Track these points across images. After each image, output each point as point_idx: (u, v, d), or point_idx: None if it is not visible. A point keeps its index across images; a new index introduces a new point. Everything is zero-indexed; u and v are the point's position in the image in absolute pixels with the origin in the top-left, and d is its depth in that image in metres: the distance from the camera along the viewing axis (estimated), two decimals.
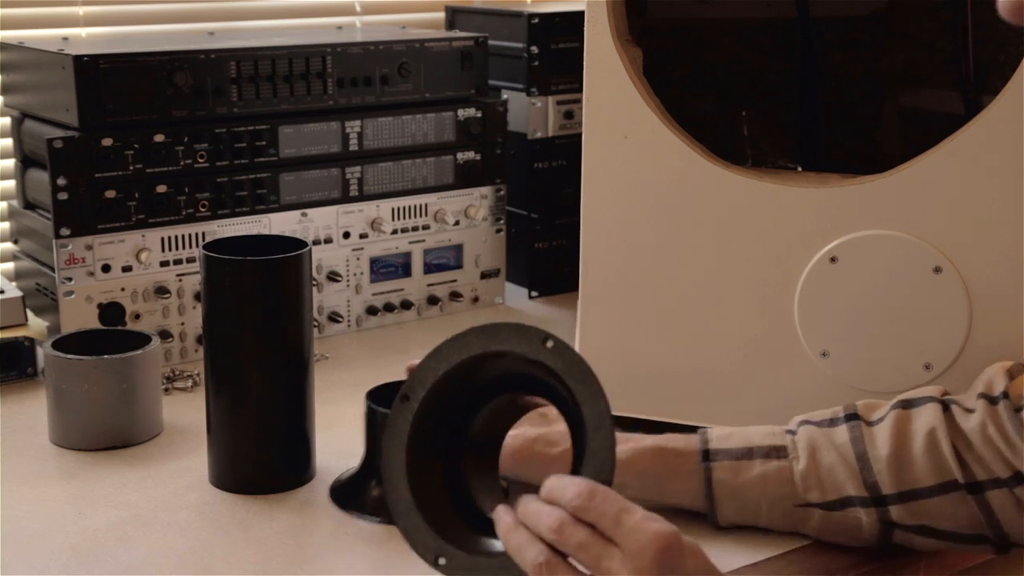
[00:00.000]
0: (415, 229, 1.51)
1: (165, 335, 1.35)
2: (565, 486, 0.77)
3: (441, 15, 1.78)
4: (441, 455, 0.88)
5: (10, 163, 1.49)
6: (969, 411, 0.92)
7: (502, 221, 1.57)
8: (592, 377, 0.81)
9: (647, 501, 0.92)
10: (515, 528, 0.78)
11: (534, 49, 1.56)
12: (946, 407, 0.93)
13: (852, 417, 0.95)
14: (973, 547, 0.93)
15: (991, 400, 0.92)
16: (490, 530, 0.82)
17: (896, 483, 0.91)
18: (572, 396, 0.82)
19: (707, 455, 0.96)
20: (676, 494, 0.97)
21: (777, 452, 0.94)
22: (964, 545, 0.92)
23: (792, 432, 0.96)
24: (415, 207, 1.51)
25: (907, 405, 0.94)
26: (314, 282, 1.44)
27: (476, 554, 0.82)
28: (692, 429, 1.04)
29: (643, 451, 0.97)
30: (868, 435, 0.93)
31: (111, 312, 1.33)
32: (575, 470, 0.81)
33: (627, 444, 0.97)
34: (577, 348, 1.18)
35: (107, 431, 1.15)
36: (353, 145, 1.45)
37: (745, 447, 0.95)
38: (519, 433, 0.98)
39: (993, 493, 0.89)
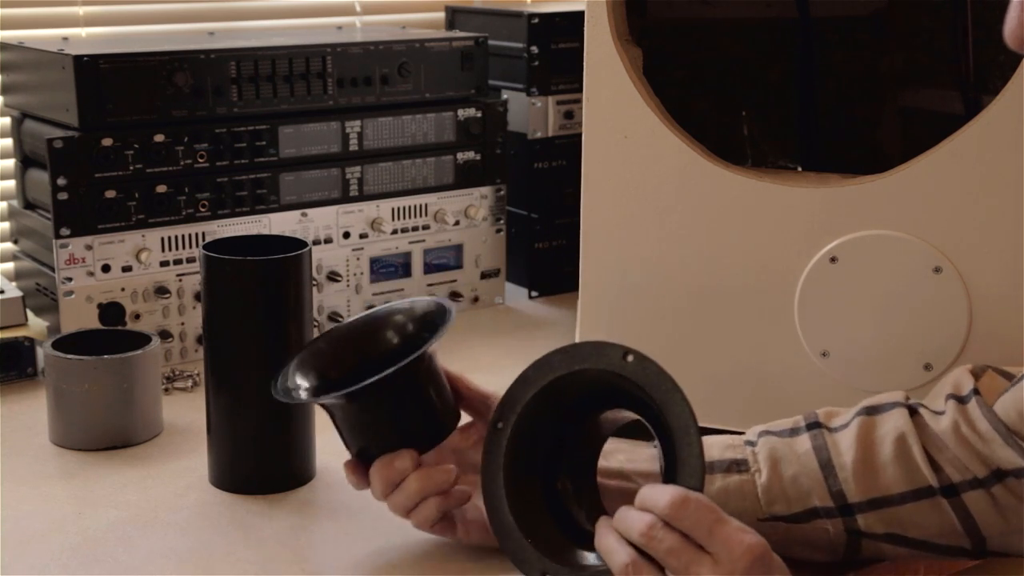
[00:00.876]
0: (415, 229, 1.51)
1: (165, 335, 1.35)
2: (659, 494, 0.78)
3: (441, 15, 1.78)
4: (540, 475, 0.90)
5: (10, 163, 1.49)
6: (938, 413, 0.90)
7: (502, 221, 1.57)
8: (674, 385, 0.82)
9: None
10: (608, 533, 0.80)
11: (534, 49, 1.56)
12: (913, 411, 0.91)
13: (814, 425, 0.93)
14: (944, 557, 0.91)
15: (961, 400, 0.90)
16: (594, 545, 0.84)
17: (864, 490, 0.89)
18: (657, 406, 0.83)
19: None
20: None
21: (738, 466, 0.93)
22: (935, 555, 0.90)
23: (752, 444, 0.94)
24: (415, 207, 1.51)
25: (871, 411, 0.92)
26: (314, 282, 1.44)
27: (580, 570, 0.84)
28: None
29: (608, 474, 0.94)
30: (831, 442, 0.91)
31: (111, 312, 1.33)
32: (667, 478, 0.82)
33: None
34: None
35: (107, 431, 1.15)
36: (353, 145, 1.45)
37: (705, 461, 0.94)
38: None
39: (969, 495, 0.87)
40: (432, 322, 0.97)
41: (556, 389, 0.88)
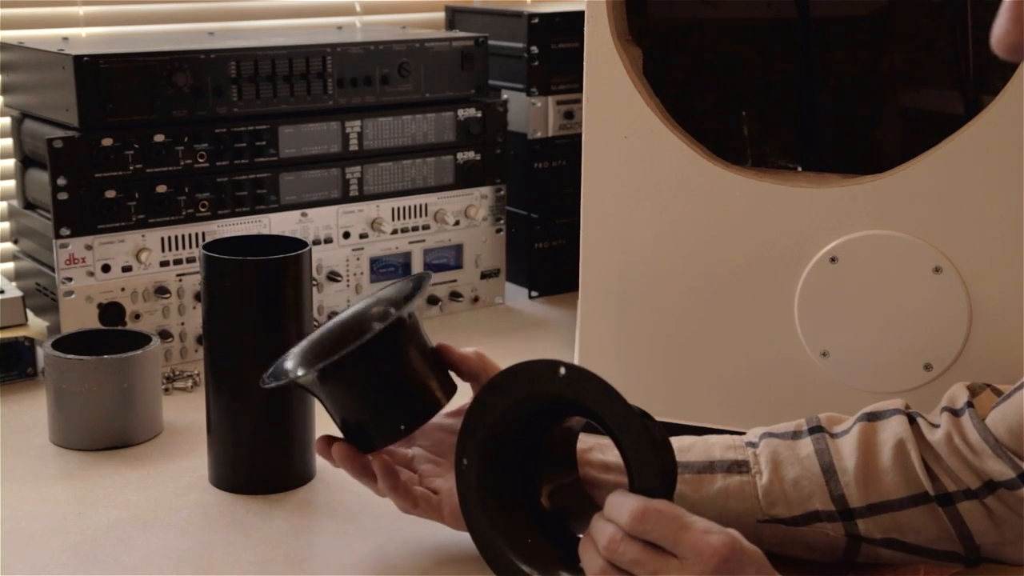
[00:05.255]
0: (415, 229, 1.51)
1: (165, 335, 1.35)
2: (621, 506, 0.79)
3: (441, 15, 1.78)
4: (521, 497, 0.89)
5: (10, 163, 1.49)
6: (935, 426, 0.91)
7: (502, 221, 1.58)
8: (607, 389, 0.81)
9: None
10: (586, 543, 0.81)
11: (534, 49, 1.56)
12: (912, 420, 0.92)
13: (816, 430, 0.93)
14: (939, 563, 0.91)
15: (955, 412, 0.91)
16: None
17: (864, 496, 0.90)
18: (596, 415, 0.82)
19: None
20: None
21: (739, 467, 0.93)
22: (931, 560, 0.91)
23: (753, 445, 0.94)
24: (415, 207, 1.51)
25: (872, 417, 0.93)
26: (314, 282, 1.44)
27: None
28: (693, 429, 1.04)
29: (605, 468, 0.95)
30: (833, 447, 0.92)
31: (111, 312, 1.33)
32: (630, 481, 0.82)
33: (594, 454, 0.96)
34: (577, 348, 1.19)
35: (107, 431, 1.15)
36: (353, 145, 1.45)
37: (706, 461, 0.94)
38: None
39: (963, 505, 0.88)
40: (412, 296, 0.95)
41: (507, 416, 0.88)
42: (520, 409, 0.87)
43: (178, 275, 1.36)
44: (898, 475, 0.89)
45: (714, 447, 0.95)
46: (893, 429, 0.91)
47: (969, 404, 0.90)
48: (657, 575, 0.77)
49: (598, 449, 0.95)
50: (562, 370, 0.82)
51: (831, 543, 0.91)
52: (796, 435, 0.94)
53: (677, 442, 0.95)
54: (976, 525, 0.88)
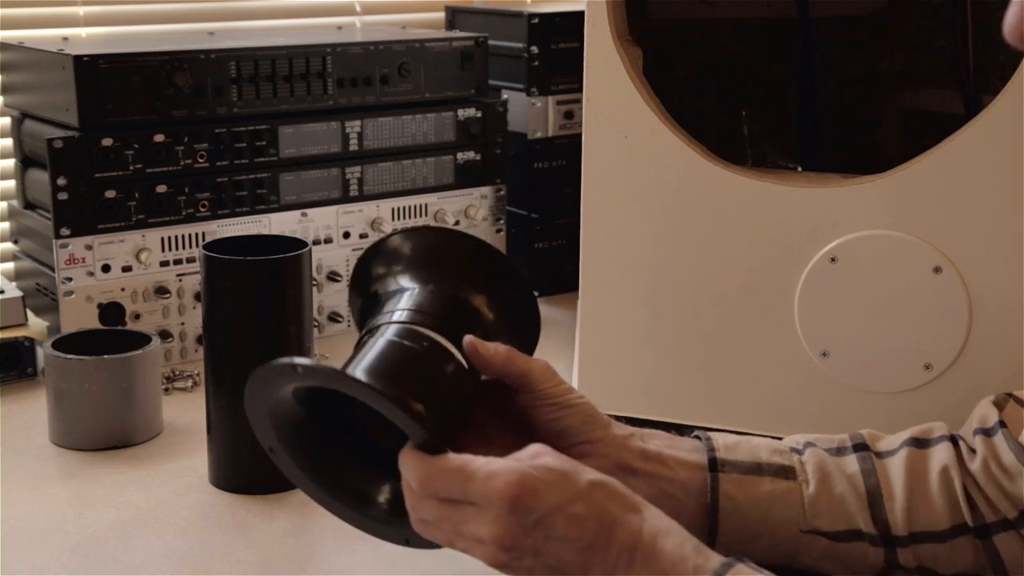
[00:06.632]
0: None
1: (165, 335, 1.35)
2: (409, 471, 0.79)
3: (441, 15, 1.78)
4: (359, 458, 0.86)
5: (10, 163, 1.49)
6: (972, 451, 0.89)
7: (502, 221, 1.57)
8: (331, 373, 0.78)
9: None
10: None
11: (534, 49, 1.56)
12: (955, 443, 0.90)
13: (861, 447, 0.91)
14: None
15: (987, 433, 0.89)
16: None
17: (908, 525, 0.87)
18: (340, 394, 0.80)
19: (714, 464, 0.90)
20: (677, 507, 0.89)
21: (786, 472, 0.90)
22: None
23: (798, 452, 0.91)
24: (415, 207, 1.51)
25: (920, 444, 0.90)
26: (314, 282, 1.44)
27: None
28: (692, 429, 1.04)
29: (646, 457, 0.91)
30: (881, 469, 0.89)
31: (111, 312, 1.33)
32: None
33: (634, 441, 0.91)
34: (577, 348, 1.19)
35: (107, 431, 1.15)
36: (353, 145, 1.45)
37: (754, 462, 0.90)
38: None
39: (1000, 536, 0.86)
40: None
41: (289, 399, 0.84)
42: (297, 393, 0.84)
43: (178, 275, 1.36)
44: (943, 505, 0.87)
45: (759, 448, 0.91)
46: (939, 456, 0.89)
47: (1001, 423, 0.88)
48: (460, 525, 0.78)
49: (638, 436, 0.91)
50: (299, 368, 0.79)
51: (867, 565, 0.89)
52: (840, 451, 0.91)
53: (722, 439, 0.92)
54: (1012, 558, 0.86)
